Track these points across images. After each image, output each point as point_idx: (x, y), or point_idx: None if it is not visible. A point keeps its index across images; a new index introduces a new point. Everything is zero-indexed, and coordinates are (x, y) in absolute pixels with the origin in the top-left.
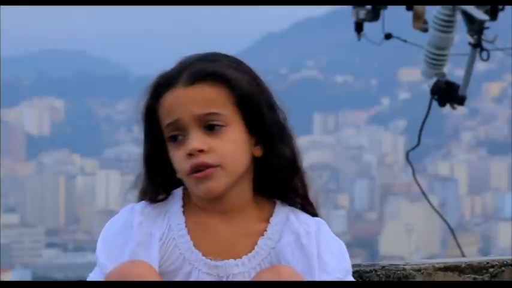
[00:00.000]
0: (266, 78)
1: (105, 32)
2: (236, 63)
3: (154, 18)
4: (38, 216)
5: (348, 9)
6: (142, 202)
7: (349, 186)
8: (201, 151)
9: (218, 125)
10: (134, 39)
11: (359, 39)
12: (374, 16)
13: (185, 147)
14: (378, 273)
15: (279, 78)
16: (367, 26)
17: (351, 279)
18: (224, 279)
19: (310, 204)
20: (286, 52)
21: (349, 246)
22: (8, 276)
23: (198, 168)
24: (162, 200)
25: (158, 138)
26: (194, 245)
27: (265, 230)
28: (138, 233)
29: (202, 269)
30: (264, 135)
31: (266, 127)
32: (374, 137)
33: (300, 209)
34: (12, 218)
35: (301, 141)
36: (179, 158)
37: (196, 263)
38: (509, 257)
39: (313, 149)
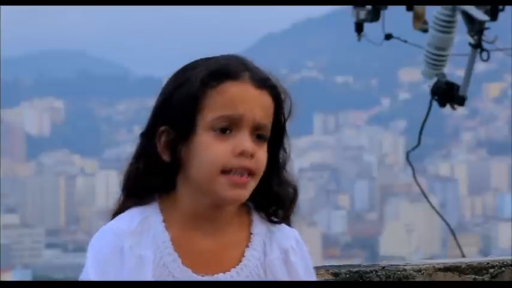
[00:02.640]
0: None
1: (105, 32)
2: None
3: (155, 18)
4: (38, 216)
5: (348, 9)
6: (123, 221)
7: (349, 186)
8: (251, 156)
9: (263, 137)
10: (134, 39)
11: (359, 39)
12: (374, 16)
13: (234, 144)
14: (378, 273)
15: (279, 78)
16: (367, 26)
17: None
18: None
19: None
20: (286, 52)
21: (349, 246)
22: (8, 276)
23: (241, 171)
24: (140, 205)
25: (188, 124)
26: (182, 263)
27: (249, 241)
28: (130, 259)
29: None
30: (274, 162)
31: (278, 157)
32: (374, 137)
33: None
34: (12, 218)
35: (301, 142)
36: (222, 152)
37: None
38: (509, 258)
39: (313, 149)
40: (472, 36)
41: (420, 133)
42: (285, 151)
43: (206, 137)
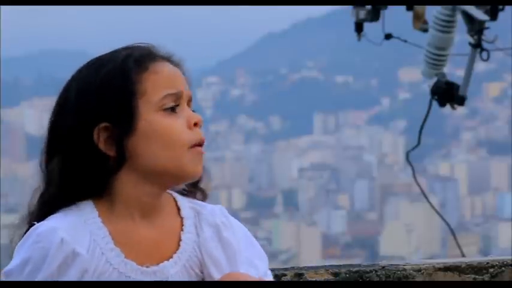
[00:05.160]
0: (266, 78)
1: (105, 32)
2: None
3: (155, 18)
4: None
5: (348, 9)
6: (53, 220)
7: (349, 186)
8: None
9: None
10: (134, 39)
11: (359, 39)
12: (374, 16)
13: (185, 118)
14: (378, 273)
15: (279, 78)
16: (367, 26)
17: (271, 277)
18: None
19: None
20: (286, 52)
21: (349, 246)
22: None
23: (200, 144)
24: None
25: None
26: (125, 256)
27: (183, 225)
28: (59, 254)
29: (141, 279)
30: None
31: None
32: (374, 137)
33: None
34: (12, 218)
35: (301, 142)
36: (180, 128)
37: (133, 273)
38: (509, 257)
39: (313, 149)
40: (472, 36)
41: (420, 133)
42: None
43: (159, 118)
